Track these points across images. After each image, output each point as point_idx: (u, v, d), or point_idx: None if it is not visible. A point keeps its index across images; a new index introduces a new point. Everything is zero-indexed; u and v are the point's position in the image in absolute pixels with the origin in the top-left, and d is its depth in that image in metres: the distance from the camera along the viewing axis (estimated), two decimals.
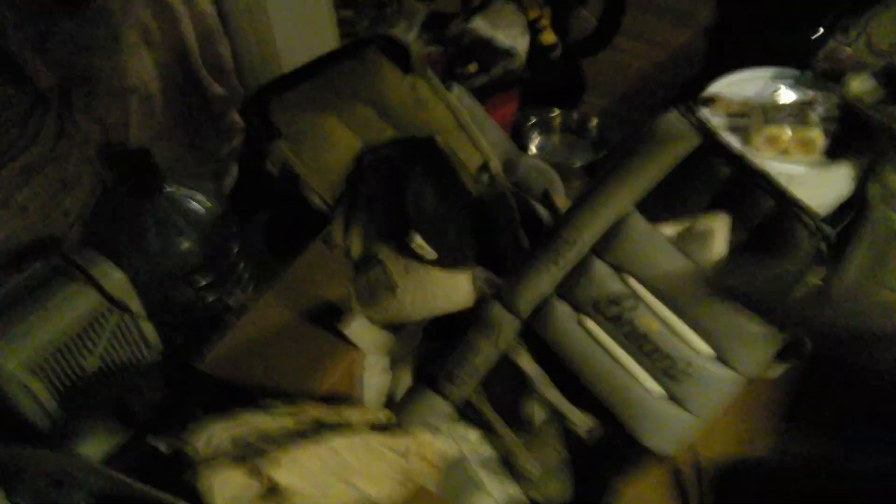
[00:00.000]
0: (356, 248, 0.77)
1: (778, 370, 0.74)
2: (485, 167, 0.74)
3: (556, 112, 1.51)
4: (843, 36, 1.11)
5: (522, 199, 0.74)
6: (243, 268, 1.05)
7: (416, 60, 0.70)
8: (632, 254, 0.63)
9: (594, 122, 1.49)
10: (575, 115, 1.51)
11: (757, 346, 0.62)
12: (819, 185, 1.04)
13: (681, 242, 0.63)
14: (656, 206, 0.64)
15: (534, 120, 1.48)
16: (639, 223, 0.63)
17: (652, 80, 1.67)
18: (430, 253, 0.71)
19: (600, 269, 0.63)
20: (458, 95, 0.75)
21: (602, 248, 0.64)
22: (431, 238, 0.72)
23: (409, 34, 1.60)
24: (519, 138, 1.45)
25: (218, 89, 1.05)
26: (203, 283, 0.97)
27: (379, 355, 0.81)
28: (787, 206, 0.60)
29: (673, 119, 0.64)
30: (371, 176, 0.75)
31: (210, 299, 0.99)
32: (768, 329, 0.61)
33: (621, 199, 0.64)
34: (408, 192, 0.72)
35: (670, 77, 1.67)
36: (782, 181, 1.04)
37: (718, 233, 0.62)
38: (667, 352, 0.62)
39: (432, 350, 0.82)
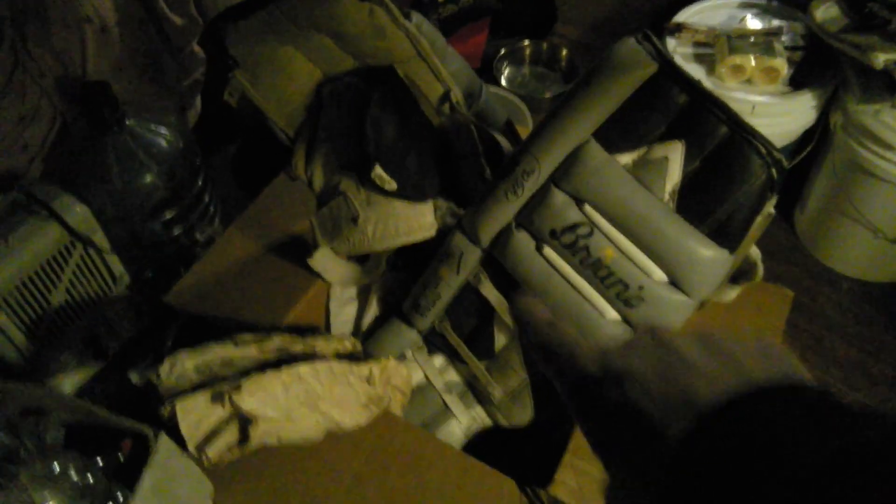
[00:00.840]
0: (318, 179, 0.77)
1: (731, 294, 0.76)
2: (446, 97, 0.74)
3: (527, 43, 1.50)
4: None
5: (484, 129, 0.74)
6: (209, 201, 1.05)
7: None
8: (588, 182, 0.63)
9: (564, 52, 1.48)
10: (545, 46, 1.50)
11: (708, 269, 0.63)
12: (782, 113, 1.05)
13: (636, 170, 0.64)
14: (612, 133, 0.64)
15: (504, 51, 1.47)
16: (595, 152, 0.63)
17: (623, 10, 1.66)
18: (390, 183, 0.71)
19: (558, 197, 0.64)
20: (418, 24, 0.74)
21: (559, 176, 0.65)
22: (392, 169, 0.72)
23: None
24: (489, 69, 1.44)
25: (176, 19, 1.03)
26: (169, 216, 0.97)
27: (344, 285, 0.82)
28: (740, 132, 0.61)
29: (629, 46, 0.64)
30: (331, 106, 0.75)
31: (177, 233, 0.99)
32: (719, 252, 0.63)
33: (578, 128, 0.64)
34: (367, 122, 0.71)
35: (642, 5, 1.65)
36: (745, 110, 1.05)
37: (673, 161, 0.63)
38: (620, 277, 0.63)
39: (397, 280, 0.84)
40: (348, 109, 0.75)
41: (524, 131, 0.89)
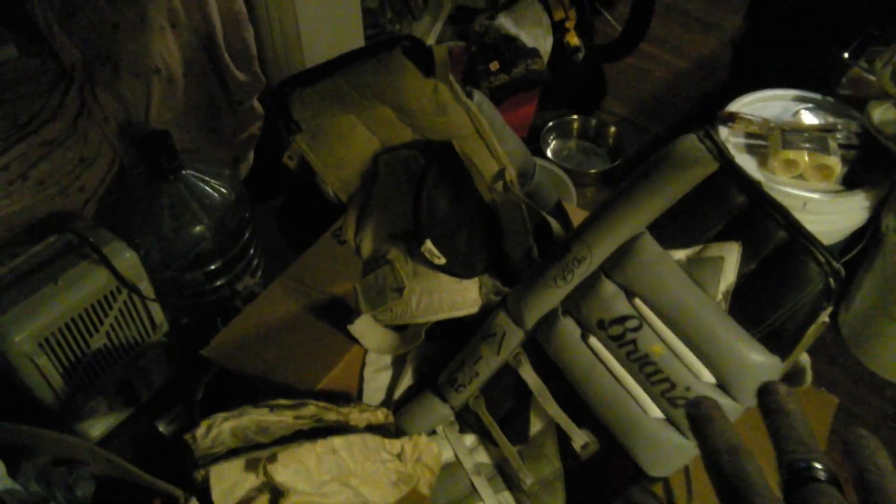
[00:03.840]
0: (366, 246, 0.77)
1: None
2: (500, 175, 0.74)
3: (575, 117, 1.51)
4: (868, 64, 1.11)
5: (535, 210, 0.74)
6: (254, 254, 1.06)
7: (439, 65, 0.70)
8: (640, 275, 0.63)
9: (612, 129, 1.49)
10: (593, 122, 1.51)
11: (758, 375, 0.62)
12: (833, 212, 1.04)
13: (690, 268, 0.63)
14: (668, 229, 0.64)
15: (551, 123, 1.49)
16: (649, 245, 0.63)
17: (673, 90, 1.67)
18: (439, 258, 0.71)
19: (608, 288, 0.64)
20: (479, 102, 0.75)
21: (611, 266, 0.64)
22: (442, 243, 0.72)
23: (433, 29, 1.60)
24: (536, 140, 1.45)
25: (240, 75, 1.06)
26: (213, 267, 0.98)
27: (380, 353, 0.81)
28: (799, 238, 0.60)
29: (691, 143, 0.64)
30: (386, 176, 0.76)
31: (219, 284, 1.00)
32: (770, 359, 0.61)
33: (634, 219, 0.64)
34: (422, 195, 0.72)
35: (692, 88, 1.67)
36: (796, 205, 1.04)
37: (728, 261, 0.62)
38: (667, 375, 0.62)
39: (434, 351, 0.83)
40: (404, 180, 0.75)
41: (568, 206, 0.89)
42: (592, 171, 1.42)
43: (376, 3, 1.48)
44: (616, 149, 1.49)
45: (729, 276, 0.63)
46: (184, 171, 0.93)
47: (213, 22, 1.02)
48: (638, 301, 0.63)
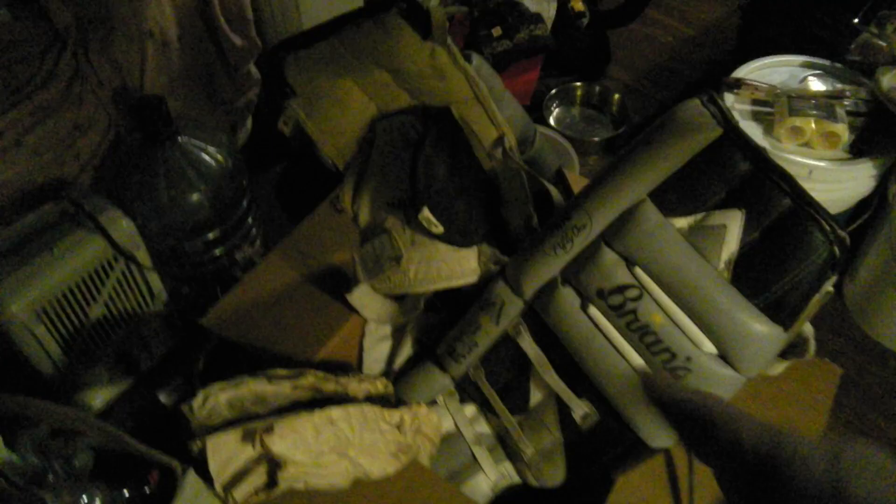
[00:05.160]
0: (364, 215, 0.76)
1: (779, 368, 0.73)
2: (499, 141, 0.72)
3: (579, 84, 1.49)
4: (878, 29, 1.08)
5: (534, 177, 0.72)
6: (252, 222, 1.05)
7: (436, 27, 0.68)
8: (641, 244, 0.62)
9: (616, 97, 1.47)
10: (597, 89, 1.49)
11: (760, 346, 0.61)
12: (840, 180, 1.02)
13: (692, 236, 0.62)
14: (669, 196, 0.62)
15: (554, 91, 1.46)
16: (651, 213, 0.62)
17: (679, 57, 1.64)
18: (437, 227, 0.70)
19: (608, 256, 0.63)
20: (477, 66, 0.73)
21: (611, 235, 0.63)
22: (440, 212, 0.71)
23: None
24: (539, 108, 1.43)
25: (236, 40, 1.04)
26: (211, 236, 0.97)
27: (380, 323, 0.81)
28: (804, 206, 0.59)
29: (694, 108, 0.62)
30: (383, 142, 0.74)
31: (217, 253, 1.00)
32: (773, 328, 0.61)
33: (635, 187, 0.62)
34: (419, 162, 0.71)
35: (699, 55, 1.64)
36: (802, 173, 1.03)
37: (731, 229, 0.61)
38: (668, 345, 0.61)
39: (434, 321, 0.82)
40: (401, 147, 0.74)
41: (570, 174, 0.88)
42: (595, 138, 1.40)
43: None
44: (620, 116, 1.47)
45: (731, 244, 0.62)
46: (179, 138, 0.91)
47: None
48: (638, 270, 0.62)
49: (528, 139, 0.77)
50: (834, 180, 1.02)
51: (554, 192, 0.73)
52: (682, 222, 0.63)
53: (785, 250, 0.61)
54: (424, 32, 0.70)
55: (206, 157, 0.93)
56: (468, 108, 0.73)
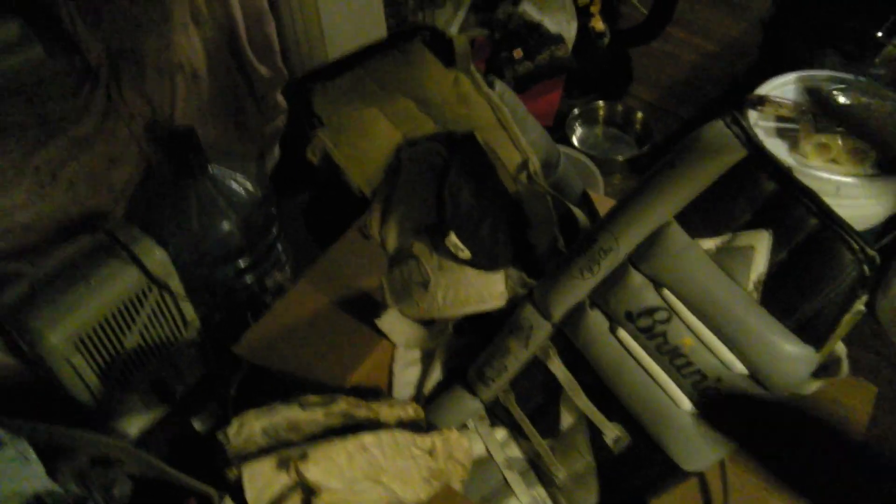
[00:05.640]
0: (391, 241, 0.77)
1: (812, 388, 0.73)
2: (524, 166, 0.73)
3: (601, 103, 1.50)
4: None
5: (559, 200, 0.73)
6: (282, 249, 1.06)
7: (459, 55, 0.70)
8: (668, 266, 0.62)
9: (639, 115, 1.47)
10: (620, 108, 1.49)
11: (792, 367, 0.61)
12: (868, 196, 1.01)
13: (719, 257, 0.62)
14: (696, 217, 0.63)
15: (577, 111, 1.47)
16: (677, 235, 0.62)
17: (702, 74, 1.64)
18: (464, 252, 0.71)
19: (636, 279, 0.63)
20: (500, 92, 0.75)
21: (638, 257, 0.63)
22: (467, 236, 0.72)
23: (456, 17, 1.59)
24: (562, 128, 1.44)
25: (263, 70, 1.06)
26: (242, 263, 0.99)
27: (409, 348, 0.81)
28: (831, 226, 0.59)
29: (718, 129, 0.63)
30: (409, 169, 0.75)
31: (248, 280, 1.01)
32: (805, 349, 0.60)
33: (660, 209, 0.63)
34: (445, 188, 0.72)
35: (721, 71, 1.63)
36: (830, 190, 1.02)
37: (759, 250, 0.61)
38: (699, 367, 0.61)
39: (463, 345, 0.83)
40: (427, 173, 0.75)
41: (595, 195, 0.88)
42: (619, 158, 1.40)
43: None
44: (643, 135, 1.47)
45: (760, 265, 0.62)
46: (210, 168, 0.93)
47: (235, 17, 1.02)
48: (667, 292, 0.62)
49: (552, 162, 0.77)
50: (862, 196, 1.01)
51: (580, 214, 0.73)
52: (710, 244, 0.63)
53: (814, 270, 0.60)
54: (448, 60, 0.71)
55: (236, 186, 0.95)
56: (492, 134, 0.74)
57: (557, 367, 0.69)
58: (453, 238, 0.71)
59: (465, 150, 0.73)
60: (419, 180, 0.75)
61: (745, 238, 0.63)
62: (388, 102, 0.73)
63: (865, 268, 0.59)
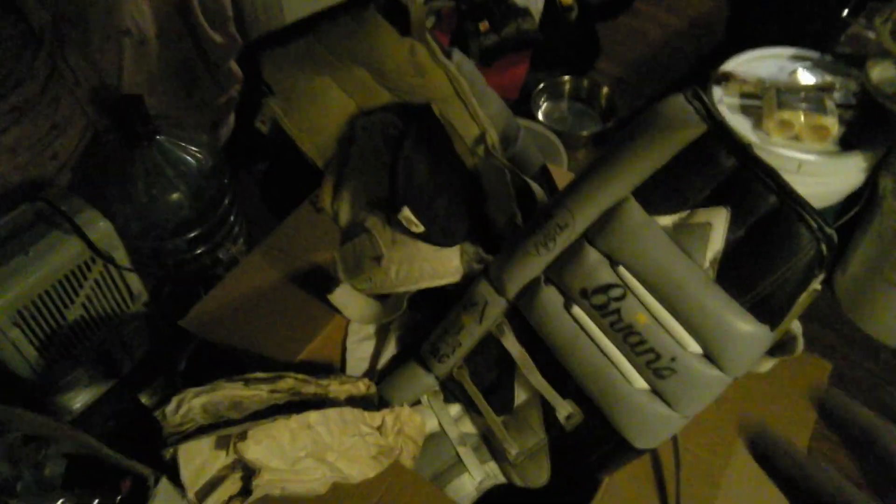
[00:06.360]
0: (344, 214, 0.75)
1: (767, 366, 0.72)
2: (481, 139, 0.71)
3: (567, 78, 1.48)
4: (868, 21, 1.07)
5: (517, 175, 0.71)
6: (235, 220, 1.03)
7: (415, 23, 0.67)
8: (625, 243, 0.60)
9: (605, 90, 1.45)
10: (585, 83, 1.47)
11: (747, 345, 0.60)
12: (829, 173, 1.01)
13: (676, 234, 0.61)
14: (653, 193, 0.61)
15: (543, 85, 1.45)
16: (634, 211, 0.60)
17: (668, 50, 1.62)
18: (417, 226, 0.69)
19: (591, 255, 0.61)
20: (458, 63, 0.72)
21: (594, 233, 0.62)
22: (421, 211, 0.70)
23: None
24: (527, 102, 1.42)
25: (216, 37, 1.02)
26: (193, 235, 0.95)
27: (363, 323, 0.79)
28: (790, 203, 0.58)
29: (678, 104, 0.61)
30: (363, 141, 0.73)
31: (200, 252, 0.98)
32: (760, 328, 0.59)
33: (618, 185, 0.61)
34: (399, 161, 0.69)
35: (688, 47, 1.62)
36: (791, 167, 1.01)
37: (716, 227, 0.60)
38: (652, 345, 0.60)
39: (417, 320, 0.81)
40: (381, 145, 0.73)
41: (558, 169, 0.87)
42: (584, 133, 1.38)
43: None
44: (609, 110, 1.45)
45: (717, 242, 0.60)
46: (159, 137, 0.90)
47: None
48: (622, 269, 0.61)
49: (510, 136, 0.75)
50: (824, 174, 1.01)
51: (537, 189, 0.71)
52: (667, 220, 0.62)
53: (771, 248, 0.60)
54: (403, 28, 0.68)
55: (186, 156, 0.92)
56: (449, 106, 0.71)
57: (512, 344, 0.68)
58: (407, 212, 0.69)
59: (420, 122, 0.70)
60: (373, 152, 0.73)
61: (702, 215, 0.62)
62: (342, 71, 0.70)
63: (823, 247, 0.58)
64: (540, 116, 1.42)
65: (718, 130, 0.61)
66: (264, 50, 0.71)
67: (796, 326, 0.68)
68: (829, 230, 0.57)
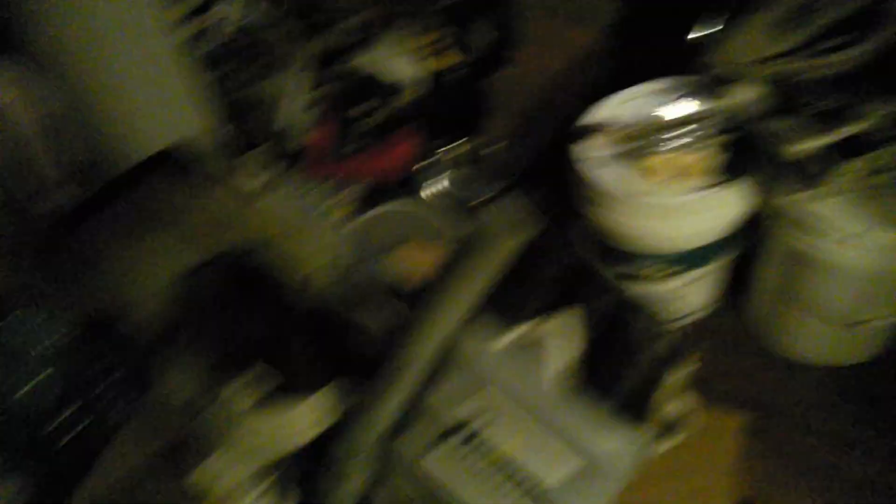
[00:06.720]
0: (188, 389, 0.70)
1: (670, 444, 0.68)
2: (312, 275, 0.67)
3: (453, 145, 1.44)
4: (713, 45, 1.05)
5: (340, 315, 0.66)
6: (120, 378, 0.97)
7: (217, 170, 0.63)
8: (469, 377, 0.56)
9: (496, 149, 1.42)
10: (473, 146, 1.43)
11: (622, 456, 0.56)
12: (714, 207, 0.98)
13: (523, 352, 0.57)
14: (488, 313, 0.57)
15: (426, 160, 1.40)
16: (470, 343, 0.56)
17: (555, 94, 1.60)
18: (272, 380, 0.64)
19: (436, 400, 0.57)
20: (286, 194, 0.68)
21: (435, 376, 0.57)
22: (272, 362, 0.65)
23: (294, 82, 1.52)
24: (414, 180, 1.37)
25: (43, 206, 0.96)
26: (69, 411, 0.89)
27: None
28: (624, 305, 0.54)
29: (497, 215, 0.58)
30: (192, 305, 0.68)
31: (81, 425, 0.92)
32: (624, 438, 0.56)
33: (449, 318, 0.57)
34: (234, 316, 0.65)
35: (576, 84, 1.59)
36: (674, 207, 0.97)
37: (566, 334, 0.56)
38: (525, 475, 0.55)
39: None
40: (211, 304, 0.68)
41: (432, 250, 0.81)
42: (473, 201, 1.35)
43: (225, 70, 1.39)
44: (501, 170, 1.42)
45: (568, 349, 0.57)
46: (13, 316, 0.84)
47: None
48: (472, 403, 0.57)
49: (345, 262, 0.71)
50: (707, 209, 0.98)
51: (374, 323, 0.67)
52: (510, 336, 0.58)
53: (618, 346, 0.56)
54: (209, 177, 0.64)
55: (47, 332, 0.86)
56: (276, 245, 0.67)
57: None
58: (258, 368, 0.64)
59: (245, 271, 0.66)
60: (205, 313, 0.68)
61: (552, 322, 0.58)
62: (155, 236, 0.66)
63: (666, 340, 0.54)
64: (424, 194, 1.37)
65: (548, 231, 0.58)
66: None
67: (676, 408, 0.64)
68: (667, 328, 0.54)
